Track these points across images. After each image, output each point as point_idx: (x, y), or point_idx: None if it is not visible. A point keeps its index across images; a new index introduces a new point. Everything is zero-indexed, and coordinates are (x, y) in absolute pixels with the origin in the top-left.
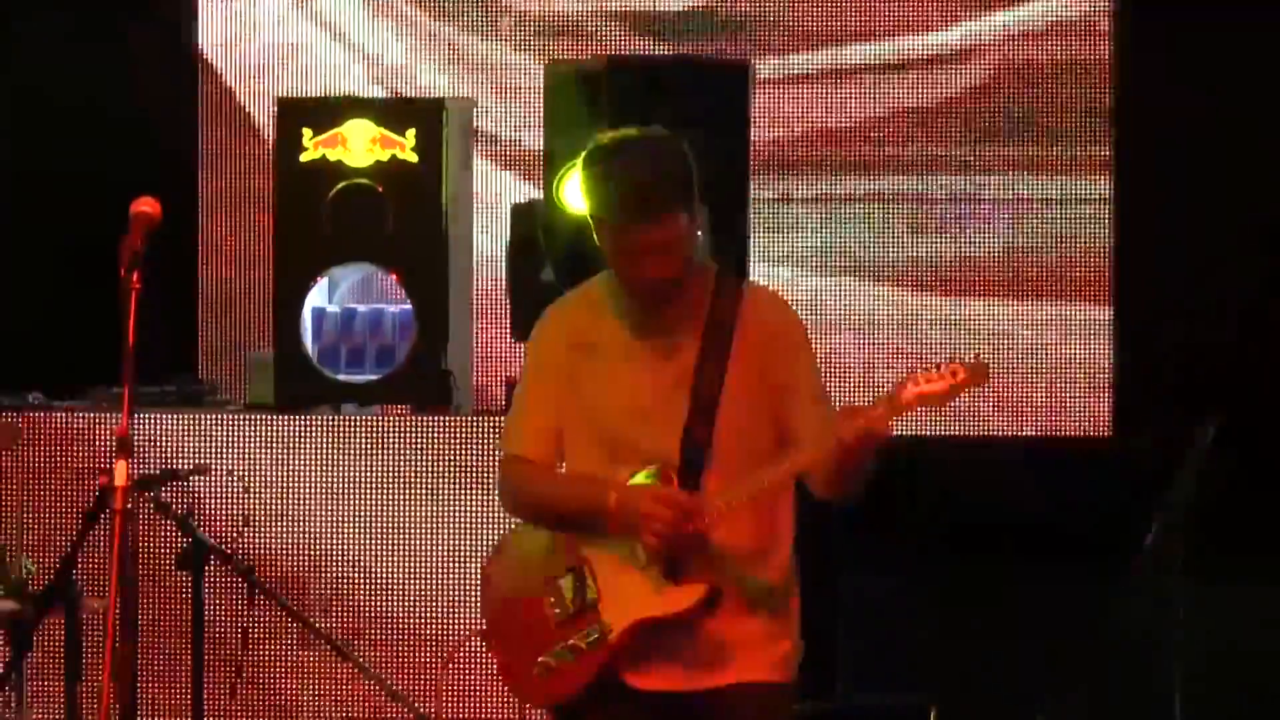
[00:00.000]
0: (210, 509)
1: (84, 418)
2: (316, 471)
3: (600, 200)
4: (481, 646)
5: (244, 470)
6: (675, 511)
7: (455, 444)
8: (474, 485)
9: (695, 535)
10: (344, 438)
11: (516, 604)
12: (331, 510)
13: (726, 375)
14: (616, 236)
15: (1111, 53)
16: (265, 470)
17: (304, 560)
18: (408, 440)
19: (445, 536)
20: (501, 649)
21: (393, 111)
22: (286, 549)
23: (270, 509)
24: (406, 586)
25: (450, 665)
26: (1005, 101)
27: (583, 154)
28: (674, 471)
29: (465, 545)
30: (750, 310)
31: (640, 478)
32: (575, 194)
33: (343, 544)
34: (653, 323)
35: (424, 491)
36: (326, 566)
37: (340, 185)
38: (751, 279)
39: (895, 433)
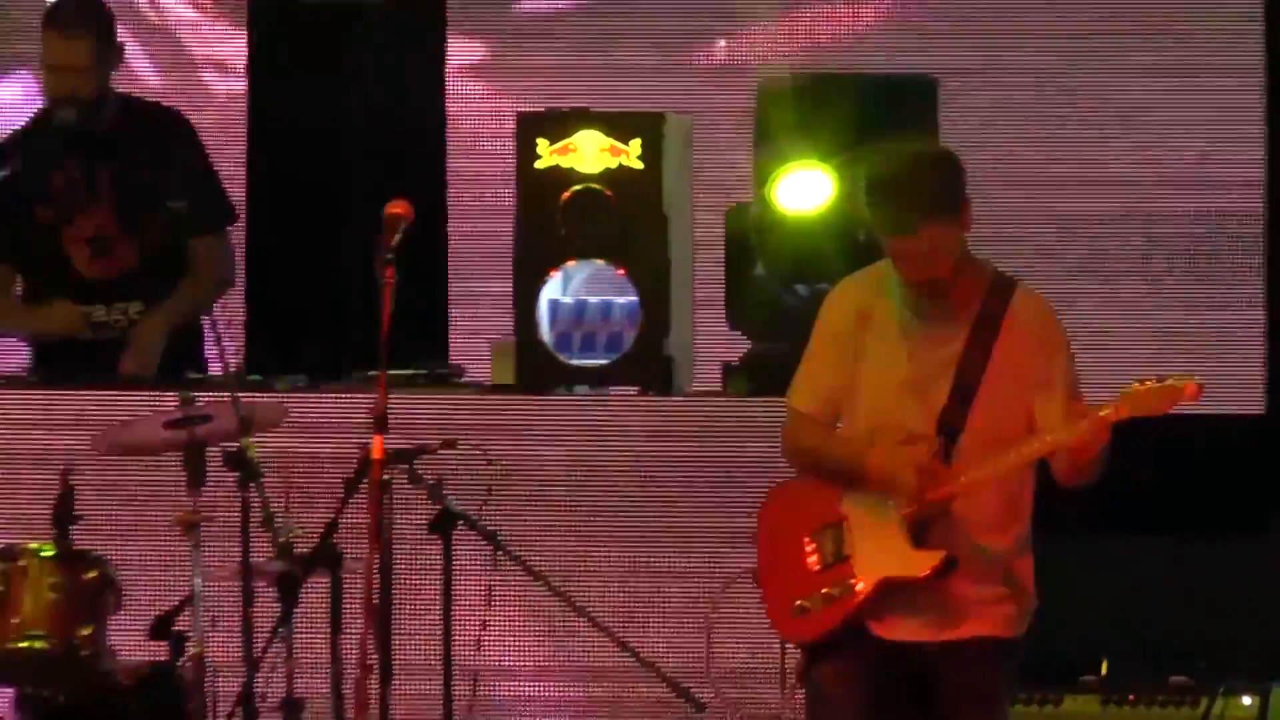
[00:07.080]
0: (458, 480)
1: (344, 398)
2: (553, 446)
3: (869, 212)
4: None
5: (488, 445)
6: (922, 479)
7: (676, 422)
8: (692, 459)
9: (939, 502)
10: (578, 416)
11: (784, 549)
12: (567, 480)
13: (988, 366)
14: (883, 241)
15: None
16: (507, 444)
17: (544, 526)
18: (634, 418)
19: (665, 507)
20: (767, 587)
21: (619, 124)
22: (527, 515)
23: (511, 479)
24: (626, 552)
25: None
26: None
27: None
28: (933, 445)
29: (680, 515)
30: (1018, 310)
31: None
32: (785, 195)
33: (578, 511)
34: (928, 310)
35: (647, 464)
36: (565, 532)
37: (573, 189)
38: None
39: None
